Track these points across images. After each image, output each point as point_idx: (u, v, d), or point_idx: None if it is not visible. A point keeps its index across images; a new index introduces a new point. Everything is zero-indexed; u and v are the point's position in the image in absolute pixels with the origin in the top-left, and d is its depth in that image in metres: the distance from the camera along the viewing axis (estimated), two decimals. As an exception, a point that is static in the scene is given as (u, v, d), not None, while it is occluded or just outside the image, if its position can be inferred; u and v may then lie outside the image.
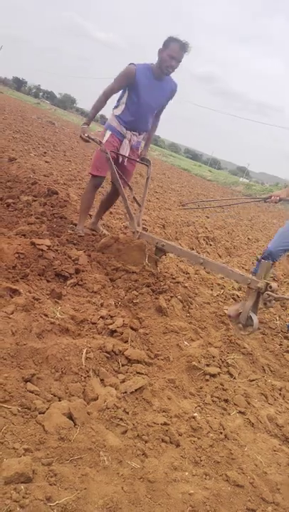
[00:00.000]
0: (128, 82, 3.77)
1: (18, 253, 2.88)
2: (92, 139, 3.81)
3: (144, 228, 3.97)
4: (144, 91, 3.81)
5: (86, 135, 3.78)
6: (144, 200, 3.98)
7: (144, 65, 3.79)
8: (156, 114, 4.14)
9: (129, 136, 3.97)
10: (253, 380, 2.56)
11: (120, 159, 4.04)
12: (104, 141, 3.96)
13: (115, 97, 3.96)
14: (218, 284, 4.31)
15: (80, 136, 3.84)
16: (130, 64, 3.76)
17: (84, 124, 3.91)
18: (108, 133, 3.97)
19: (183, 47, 3.64)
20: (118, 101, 3.97)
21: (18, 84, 69.02)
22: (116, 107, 3.99)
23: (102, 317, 2.50)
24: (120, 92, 3.92)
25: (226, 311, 3.38)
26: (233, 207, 13.89)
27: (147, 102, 3.89)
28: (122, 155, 4.00)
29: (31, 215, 3.98)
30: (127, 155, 4.01)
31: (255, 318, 2.82)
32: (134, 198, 3.99)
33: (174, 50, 3.63)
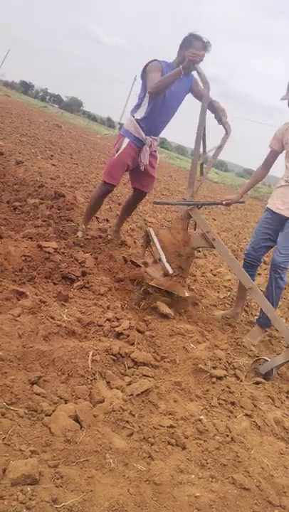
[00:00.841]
0: (160, 73, 3.45)
1: (25, 256, 2.90)
2: (198, 69, 3.25)
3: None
4: (168, 90, 3.50)
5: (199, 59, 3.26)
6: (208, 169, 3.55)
7: (166, 63, 3.54)
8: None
9: (149, 142, 3.74)
10: (260, 383, 2.55)
11: (142, 167, 3.85)
12: (121, 149, 3.74)
13: (133, 102, 3.78)
14: (225, 287, 4.31)
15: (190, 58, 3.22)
16: (154, 60, 3.51)
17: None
18: (126, 141, 3.74)
19: (205, 47, 3.38)
20: (139, 104, 3.69)
21: (25, 87, 69.44)
22: (135, 110, 3.72)
23: (108, 320, 2.50)
24: (141, 94, 3.65)
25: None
26: (240, 209, 13.86)
27: (170, 103, 3.65)
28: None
29: (38, 217, 4.00)
30: (147, 162, 3.81)
31: (274, 374, 2.64)
32: (201, 164, 3.39)
33: (199, 49, 3.33)
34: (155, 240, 3.07)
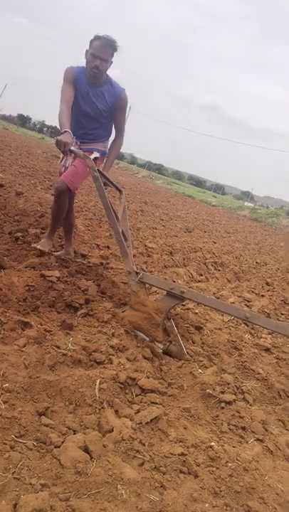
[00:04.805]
0: (72, 85, 3.46)
1: (28, 286, 2.90)
2: (75, 152, 3.27)
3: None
4: (81, 96, 3.54)
5: (68, 147, 3.20)
6: (129, 233, 3.45)
7: (82, 68, 3.51)
8: (116, 132, 3.80)
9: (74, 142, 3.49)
10: (269, 406, 2.52)
11: (62, 168, 3.78)
12: None
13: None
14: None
15: (59, 144, 3.19)
16: (69, 67, 3.50)
17: (64, 131, 3.24)
18: None
19: (106, 43, 3.35)
20: None
21: (23, 120, 70.63)
22: None
23: (112, 347, 2.48)
24: None
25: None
26: (240, 231, 13.91)
27: (83, 109, 3.59)
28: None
29: (40, 247, 4.02)
30: (67, 164, 3.69)
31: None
32: (122, 232, 3.22)
33: (96, 49, 3.36)
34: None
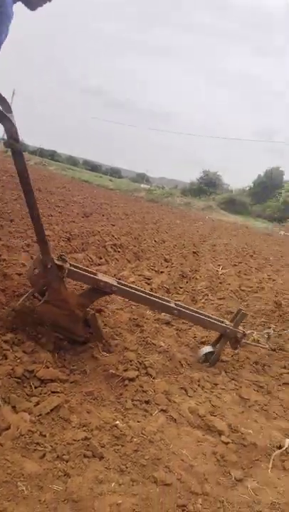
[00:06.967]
0: None
1: None
2: None
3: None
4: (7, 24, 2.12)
5: None
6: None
7: None
8: None
9: None
10: (172, 376, 2.58)
11: None
12: None
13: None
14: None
15: None
16: None
17: None
18: None
19: None
20: None
21: None
22: None
23: (6, 342, 2.36)
24: None
25: None
26: (138, 213, 14.11)
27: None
28: None
29: None
30: None
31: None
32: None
33: None
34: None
